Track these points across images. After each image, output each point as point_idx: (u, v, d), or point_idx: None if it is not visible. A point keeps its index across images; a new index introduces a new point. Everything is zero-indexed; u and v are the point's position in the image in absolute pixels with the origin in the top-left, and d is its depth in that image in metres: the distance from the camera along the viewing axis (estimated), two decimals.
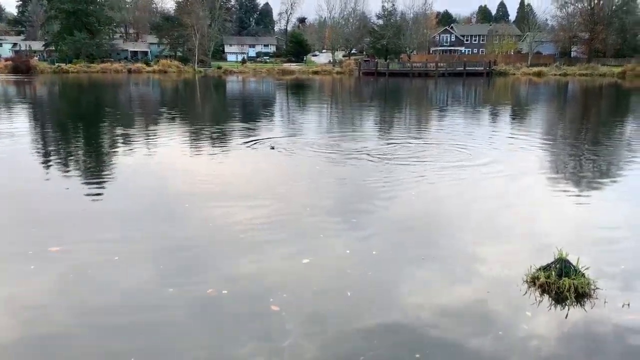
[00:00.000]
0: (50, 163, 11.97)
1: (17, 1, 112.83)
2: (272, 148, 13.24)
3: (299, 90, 45.32)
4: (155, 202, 8.58)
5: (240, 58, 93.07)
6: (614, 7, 79.29)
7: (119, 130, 17.59)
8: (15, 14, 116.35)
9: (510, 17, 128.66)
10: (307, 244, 6.62)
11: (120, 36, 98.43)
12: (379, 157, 12.46)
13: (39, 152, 13.39)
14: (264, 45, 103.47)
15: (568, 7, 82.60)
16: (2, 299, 5.15)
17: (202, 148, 13.68)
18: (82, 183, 10.01)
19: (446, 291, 5.35)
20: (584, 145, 14.51)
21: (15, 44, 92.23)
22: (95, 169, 11.36)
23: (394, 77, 67.15)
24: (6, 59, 75.01)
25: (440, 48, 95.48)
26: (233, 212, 7.89)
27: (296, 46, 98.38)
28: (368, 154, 12.74)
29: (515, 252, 6.32)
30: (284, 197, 8.79)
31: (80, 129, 18.88)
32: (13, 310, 4.97)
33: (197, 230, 7.15)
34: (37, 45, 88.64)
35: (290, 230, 7.17)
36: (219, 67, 78.97)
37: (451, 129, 18.12)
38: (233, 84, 55.38)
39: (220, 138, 15.20)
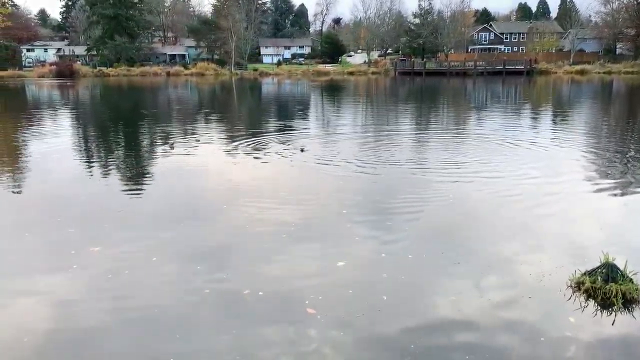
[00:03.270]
0: (92, 164, 12.38)
1: (61, 7, 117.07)
2: (302, 150, 13.30)
3: (333, 91, 45.30)
4: (191, 203, 8.73)
5: (275, 60, 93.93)
6: None
7: (157, 133, 17.98)
8: (59, 20, 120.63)
9: (551, 14, 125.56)
10: (342, 246, 6.60)
11: (158, 40, 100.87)
12: (414, 159, 12.36)
13: (81, 154, 13.83)
14: (299, 47, 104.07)
15: (613, 3, 79.96)
16: (45, 296, 5.31)
17: (237, 150, 13.81)
18: (122, 184, 10.28)
19: (485, 296, 5.22)
20: (630, 147, 14.02)
21: (59, 49, 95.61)
22: (134, 170, 11.60)
23: (431, 77, 66.45)
24: (51, 64, 77.90)
25: (478, 46, 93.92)
26: (268, 214, 7.94)
27: (331, 47, 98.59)
28: (403, 155, 12.66)
29: (557, 257, 6.14)
30: (317, 200, 8.80)
31: (120, 131, 19.40)
32: (54, 306, 5.10)
33: (232, 232, 7.24)
34: (80, 50, 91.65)
35: (325, 232, 7.17)
36: (255, 69, 79.88)
37: (490, 129, 17.83)
38: (268, 85, 55.91)
39: (255, 141, 15.32)
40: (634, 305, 4.96)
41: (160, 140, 15.82)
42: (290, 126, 19.39)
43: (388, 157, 12.60)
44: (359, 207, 8.41)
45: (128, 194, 9.43)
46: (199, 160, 12.44)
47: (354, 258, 6.22)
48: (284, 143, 14.73)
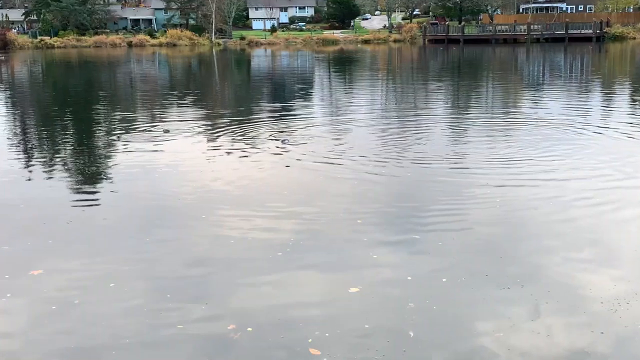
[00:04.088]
0: (32, 163, 12.40)
1: None
2: (283, 142, 13.45)
3: (344, 65, 45.43)
4: (160, 212, 8.74)
5: (268, 25, 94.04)
6: None
7: (117, 122, 18.05)
8: None
9: None
10: (355, 267, 6.61)
11: (118, 0, 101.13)
12: (449, 154, 12.36)
13: (17, 149, 13.89)
14: (299, 9, 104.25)
15: None
16: None
17: (219, 144, 13.89)
18: (71, 188, 10.32)
19: (543, 332, 5.19)
20: None
21: None
22: (88, 170, 11.67)
23: (471, 45, 66.44)
24: None
25: (533, 5, 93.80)
26: (259, 226, 7.97)
27: (341, 8, 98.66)
28: (435, 150, 12.68)
29: (637, 280, 6.13)
30: (323, 206, 8.83)
31: (68, 119, 19.48)
32: None
33: (213, 249, 7.27)
34: (16, 15, 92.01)
35: (333, 249, 7.18)
36: (242, 38, 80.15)
37: (549, 113, 17.80)
38: (260, 59, 56.06)
39: (242, 132, 15.38)
40: None
41: (120, 131, 15.90)
42: (288, 112, 19.44)
43: (415, 152, 12.56)
44: (378, 217, 8.40)
45: (79, 201, 9.46)
46: (169, 157, 12.50)
47: (370, 282, 6.21)
48: (279, 133, 14.80)
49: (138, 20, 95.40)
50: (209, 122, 17.35)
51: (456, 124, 16.55)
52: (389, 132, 15.07)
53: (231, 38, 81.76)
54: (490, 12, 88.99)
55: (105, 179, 10.91)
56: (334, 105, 21.80)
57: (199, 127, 16.47)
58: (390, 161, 11.63)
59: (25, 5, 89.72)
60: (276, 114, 18.62)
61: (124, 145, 13.92)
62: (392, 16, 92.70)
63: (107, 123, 17.98)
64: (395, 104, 21.76)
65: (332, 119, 17.87)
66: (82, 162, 12.38)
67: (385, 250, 7.11)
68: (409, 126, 15.93)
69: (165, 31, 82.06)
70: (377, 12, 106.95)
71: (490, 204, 8.82)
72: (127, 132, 15.64)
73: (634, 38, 68.36)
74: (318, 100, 23.55)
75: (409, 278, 6.31)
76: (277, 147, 13.16)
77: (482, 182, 9.99)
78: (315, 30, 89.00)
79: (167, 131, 15.31)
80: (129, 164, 11.93)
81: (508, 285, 6.08)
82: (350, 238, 7.56)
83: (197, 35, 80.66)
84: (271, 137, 14.31)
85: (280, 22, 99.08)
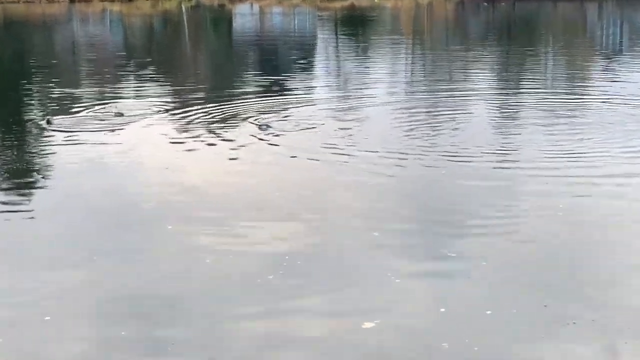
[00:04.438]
0: None
1: None
2: (262, 128, 13.54)
3: (356, 27, 45.30)
4: (113, 222, 8.72)
5: None
6: None
7: (54, 102, 17.93)
8: None
9: None
10: (370, 295, 6.59)
11: None
12: (494, 145, 12.38)
13: None
14: None
15: None
16: None
17: (191, 131, 13.84)
18: None
19: None
20: None
21: None
22: (15, 167, 11.60)
23: (525, 1, 66.12)
24: None
25: None
26: (242, 240, 7.98)
27: None
28: (475, 139, 12.66)
29: None
30: (327, 215, 8.87)
31: None
32: None
33: (181, 270, 7.21)
34: None
35: (340, 270, 7.17)
36: None
37: (630, 92, 17.56)
38: (244, 18, 55.83)
39: (221, 115, 15.33)
40: None
41: (59, 115, 15.63)
42: (282, 88, 19.34)
43: (450, 142, 12.44)
44: (401, 229, 8.39)
45: (3, 211, 9.36)
46: (125, 148, 12.50)
47: (390, 316, 6.16)
48: (263, 117, 14.78)
49: None
50: (177, 102, 17.31)
51: (505, 105, 16.51)
52: (414, 116, 15.00)
53: None
54: None
55: (39, 178, 10.89)
56: (343, 80, 21.90)
57: (163, 108, 16.40)
58: (417, 155, 11.54)
59: None
60: (266, 92, 18.59)
61: (65, 133, 13.78)
62: None
63: (41, 104, 17.88)
64: (424, 79, 21.76)
65: (339, 99, 17.85)
66: (7, 156, 12.24)
67: (410, 273, 7.09)
68: (442, 108, 15.78)
69: None
70: None
71: (551, 213, 8.79)
72: (68, 116, 15.50)
73: None
74: (321, 74, 23.63)
75: (442, 310, 6.27)
76: (262, 137, 13.04)
77: (540, 184, 9.97)
78: None
79: (119, 114, 15.20)
80: (71, 158, 11.87)
81: (574, 319, 6.04)
82: (364, 256, 7.54)
83: None
84: (257, 122, 14.26)
85: None
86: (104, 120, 14.97)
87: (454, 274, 7.07)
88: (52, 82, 21.68)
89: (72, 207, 9.46)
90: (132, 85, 20.78)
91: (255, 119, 14.57)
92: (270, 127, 13.58)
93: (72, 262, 7.47)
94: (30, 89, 20.85)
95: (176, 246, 7.94)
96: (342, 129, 13.81)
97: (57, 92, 19.50)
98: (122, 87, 20.20)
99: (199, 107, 16.26)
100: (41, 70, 25.54)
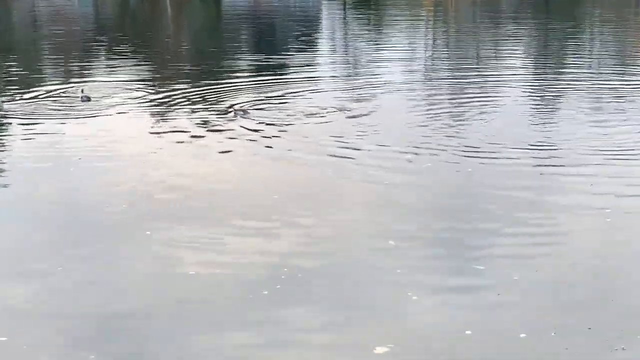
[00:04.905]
0: None
1: None
2: (240, 114, 13.63)
3: None
4: (80, 228, 8.67)
5: None
6: None
7: (11, 85, 17.87)
8: None
9: None
10: (384, 313, 6.57)
11: None
12: (533, 137, 12.30)
13: None
14: None
15: None
16: None
17: (172, 121, 13.84)
18: None
19: None
20: None
21: None
22: None
23: None
24: None
25: None
26: (232, 248, 7.94)
27: None
28: (510, 130, 12.65)
29: None
30: (332, 220, 8.83)
31: None
32: None
33: (160, 284, 7.17)
34: None
35: (348, 284, 7.14)
36: None
37: None
38: None
39: (203, 101, 15.32)
40: None
41: (16, 100, 15.69)
42: (279, 70, 19.34)
43: (478, 136, 12.47)
44: (420, 237, 8.37)
45: None
46: (94, 142, 12.40)
47: (407, 338, 6.15)
48: (261, 102, 14.77)
49: None
50: (155, 86, 17.33)
51: (541, 90, 16.51)
52: (436, 103, 15.00)
53: None
54: None
55: None
56: (352, 59, 21.89)
57: (138, 92, 16.41)
58: (439, 151, 11.54)
59: None
60: (260, 74, 18.60)
61: (21, 120, 13.83)
62: None
63: None
64: (447, 59, 21.70)
65: (347, 82, 17.82)
66: None
67: (430, 288, 7.04)
68: (468, 94, 15.80)
69: None
70: None
71: (595, 219, 8.78)
72: (25, 101, 15.49)
73: None
74: (326, 52, 23.68)
75: (468, 332, 6.21)
76: (254, 127, 13.02)
77: (582, 184, 9.95)
78: None
79: (86, 99, 15.17)
80: (32, 152, 11.88)
81: (622, 344, 5.98)
82: (376, 269, 7.49)
83: None
84: (249, 110, 14.24)
85: None
86: (68, 105, 14.95)
87: (481, 290, 7.03)
88: (8, 62, 21.51)
89: (27, 210, 9.42)
90: (103, 65, 20.67)
91: (247, 106, 14.51)
92: (264, 116, 13.60)
93: (28, 275, 7.39)
94: None
95: (153, 256, 7.88)
96: (350, 118, 13.82)
97: (14, 73, 19.43)
98: (91, 67, 20.10)
99: (180, 91, 16.29)
100: None
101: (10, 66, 20.81)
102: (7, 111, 14.23)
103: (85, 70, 19.81)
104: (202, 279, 7.33)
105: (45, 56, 23.72)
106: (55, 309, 6.78)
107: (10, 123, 13.72)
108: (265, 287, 7.05)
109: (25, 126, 13.45)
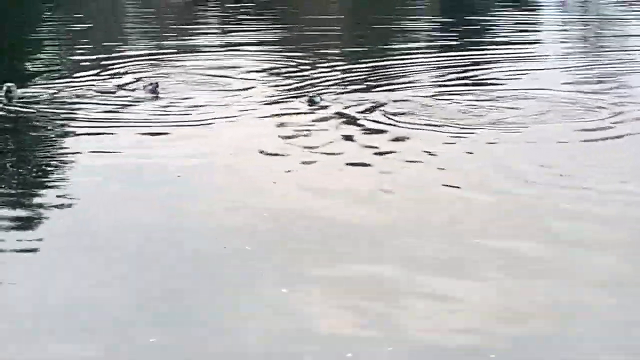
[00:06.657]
0: None
1: None
2: (312, 103, 13.83)
3: None
4: (168, 272, 7.48)
5: None
6: None
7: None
8: None
9: None
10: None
11: None
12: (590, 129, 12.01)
13: None
14: None
15: None
16: None
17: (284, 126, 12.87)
18: None
19: None
20: None
21: None
22: (15, 180, 10.74)
23: None
24: None
25: None
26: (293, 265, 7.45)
27: None
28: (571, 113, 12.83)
29: None
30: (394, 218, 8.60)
31: None
32: None
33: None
34: None
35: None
36: None
37: None
38: None
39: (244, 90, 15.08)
40: None
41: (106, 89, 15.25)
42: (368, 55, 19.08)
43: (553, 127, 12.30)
44: (504, 247, 7.75)
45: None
46: (171, 151, 11.57)
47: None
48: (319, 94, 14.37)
49: None
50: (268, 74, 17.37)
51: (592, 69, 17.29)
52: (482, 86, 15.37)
53: None
54: None
55: (41, 189, 10.07)
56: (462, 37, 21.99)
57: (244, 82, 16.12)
58: (505, 128, 11.97)
59: None
60: (350, 58, 18.74)
61: (86, 124, 13.20)
62: None
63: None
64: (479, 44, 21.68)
65: (457, 72, 16.80)
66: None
67: None
68: (510, 72, 16.56)
69: None
70: None
71: None
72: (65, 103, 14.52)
73: None
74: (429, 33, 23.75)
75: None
76: (342, 121, 12.82)
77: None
78: None
79: (155, 95, 14.63)
80: (94, 165, 11.09)
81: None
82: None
83: None
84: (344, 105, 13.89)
85: None
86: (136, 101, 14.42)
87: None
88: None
89: (86, 223, 8.73)
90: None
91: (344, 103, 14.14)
92: (320, 100, 13.95)
93: (99, 341, 6.17)
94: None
95: (288, 315, 6.65)
96: (457, 112, 13.25)
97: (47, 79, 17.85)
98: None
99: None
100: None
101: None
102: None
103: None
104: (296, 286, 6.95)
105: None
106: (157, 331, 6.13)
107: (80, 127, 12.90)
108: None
109: (91, 131, 12.67)
